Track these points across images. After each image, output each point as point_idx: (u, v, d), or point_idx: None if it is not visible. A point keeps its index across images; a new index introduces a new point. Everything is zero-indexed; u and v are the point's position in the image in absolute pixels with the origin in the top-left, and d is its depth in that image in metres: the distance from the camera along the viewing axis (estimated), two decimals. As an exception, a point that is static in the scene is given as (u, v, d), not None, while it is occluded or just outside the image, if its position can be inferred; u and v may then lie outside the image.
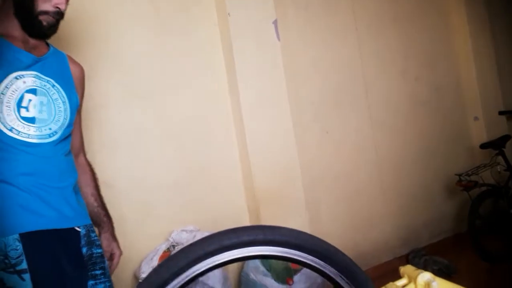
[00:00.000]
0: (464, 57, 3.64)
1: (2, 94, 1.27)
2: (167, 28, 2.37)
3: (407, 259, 3.09)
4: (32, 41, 1.37)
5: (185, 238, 2.09)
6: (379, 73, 3.21)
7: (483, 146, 3.29)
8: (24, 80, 1.31)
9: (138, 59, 2.27)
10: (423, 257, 3.02)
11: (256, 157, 2.45)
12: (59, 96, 1.39)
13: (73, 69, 1.47)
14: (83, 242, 1.36)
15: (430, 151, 3.39)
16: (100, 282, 1.38)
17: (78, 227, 1.35)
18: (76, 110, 1.46)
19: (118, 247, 1.53)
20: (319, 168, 2.88)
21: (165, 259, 0.95)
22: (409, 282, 0.84)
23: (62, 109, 1.39)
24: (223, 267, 2.00)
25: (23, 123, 1.29)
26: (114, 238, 1.53)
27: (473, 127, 3.65)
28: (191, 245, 0.97)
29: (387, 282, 0.92)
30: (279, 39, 2.55)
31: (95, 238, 1.42)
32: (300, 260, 0.97)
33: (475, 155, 3.55)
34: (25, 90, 1.30)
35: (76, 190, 1.42)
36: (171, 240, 2.14)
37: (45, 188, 1.30)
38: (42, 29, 1.35)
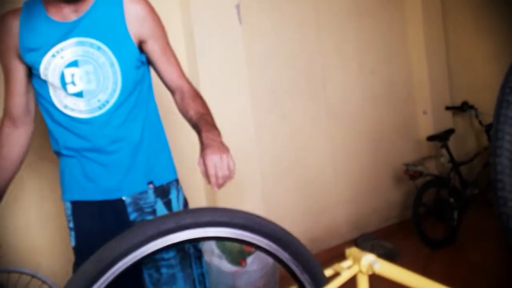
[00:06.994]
0: (417, 53, 3.79)
1: (45, 75, 1.25)
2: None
3: (356, 243, 3.24)
4: None
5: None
6: (337, 64, 3.29)
7: (429, 138, 3.48)
8: (62, 55, 1.24)
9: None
10: (371, 242, 3.17)
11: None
12: (106, 59, 1.25)
13: (128, 10, 1.26)
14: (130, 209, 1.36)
15: (381, 142, 3.54)
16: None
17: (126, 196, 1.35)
18: (134, 64, 1.31)
19: None
20: (275, 154, 2.94)
21: (117, 236, 0.94)
22: (354, 263, 0.88)
23: (110, 73, 1.26)
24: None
25: (73, 98, 1.27)
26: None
27: (422, 120, 3.83)
28: (144, 223, 0.97)
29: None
30: (241, 23, 2.55)
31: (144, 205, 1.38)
32: (254, 243, 1.01)
33: (422, 147, 3.75)
34: (64, 65, 1.24)
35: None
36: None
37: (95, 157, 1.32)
38: None
